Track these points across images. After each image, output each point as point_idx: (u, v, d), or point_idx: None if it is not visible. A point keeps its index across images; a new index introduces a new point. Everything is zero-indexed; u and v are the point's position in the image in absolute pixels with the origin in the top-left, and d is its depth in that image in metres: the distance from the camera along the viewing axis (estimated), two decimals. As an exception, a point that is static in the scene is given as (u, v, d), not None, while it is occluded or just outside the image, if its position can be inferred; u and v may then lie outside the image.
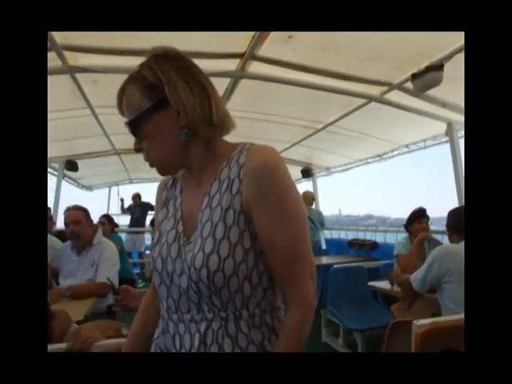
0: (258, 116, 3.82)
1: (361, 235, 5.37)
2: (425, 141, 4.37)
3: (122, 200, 8.01)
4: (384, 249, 4.64)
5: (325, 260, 4.46)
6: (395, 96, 3.18)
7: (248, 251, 0.76)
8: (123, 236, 6.07)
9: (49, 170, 5.43)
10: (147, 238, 7.17)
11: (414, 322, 1.46)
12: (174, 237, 0.83)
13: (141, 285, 5.23)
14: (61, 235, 3.39)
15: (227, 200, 0.77)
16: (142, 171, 7.53)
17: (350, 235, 5.63)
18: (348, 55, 2.60)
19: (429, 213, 3.06)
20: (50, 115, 3.49)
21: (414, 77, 2.68)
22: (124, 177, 7.87)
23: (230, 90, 3.15)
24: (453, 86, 2.56)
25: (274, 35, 2.33)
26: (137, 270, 6.46)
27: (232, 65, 2.79)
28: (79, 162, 5.37)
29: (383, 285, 3.01)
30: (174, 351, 0.81)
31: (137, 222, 7.31)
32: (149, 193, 8.04)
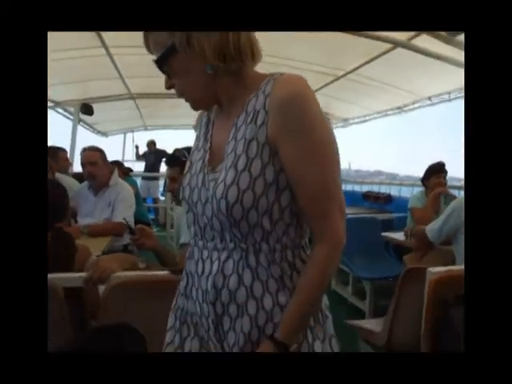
0: (274, 60, 3.64)
1: (375, 188, 5.34)
2: (449, 93, 4.19)
3: (136, 147, 8.02)
4: (398, 202, 4.61)
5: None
6: (423, 42, 3.00)
7: (270, 185, 0.74)
8: (138, 182, 6.13)
9: (64, 113, 5.41)
10: (161, 185, 7.25)
11: (429, 269, 1.45)
12: (200, 167, 0.84)
13: (155, 230, 5.36)
14: (78, 177, 3.45)
15: (251, 131, 0.75)
16: (156, 117, 7.49)
17: (365, 188, 5.60)
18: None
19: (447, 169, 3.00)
20: (63, 54, 3.45)
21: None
22: (139, 123, 7.85)
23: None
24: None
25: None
26: (151, 216, 6.59)
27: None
28: (94, 106, 5.32)
29: (396, 236, 3.01)
30: (196, 277, 0.83)
31: (151, 168, 7.36)
32: (163, 140, 8.04)
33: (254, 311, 0.77)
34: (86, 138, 6.86)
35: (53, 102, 4.88)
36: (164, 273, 1.32)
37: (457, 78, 3.63)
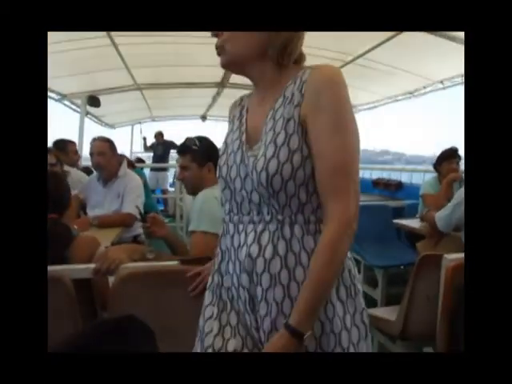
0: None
1: (386, 175, 5.27)
2: (462, 76, 4.09)
3: (144, 138, 8.02)
4: (409, 189, 4.55)
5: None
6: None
7: (306, 158, 0.79)
8: (146, 173, 6.13)
9: (71, 106, 5.41)
10: (170, 176, 7.25)
11: (445, 255, 1.42)
12: (238, 145, 0.89)
13: (165, 221, 5.36)
14: (87, 170, 3.45)
15: (289, 111, 0.82)
16: (164, 108, 7.47)
17: (375, 175, 5.53)
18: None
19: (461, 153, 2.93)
20: (67, 45, 3.42)
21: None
22: (146, 114, 7.83)
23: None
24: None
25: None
26: (160, 207, 6.60)
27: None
28: (101, 98, 5.31)
29: (408, 222, 2.96)
30: (232, 250, 0.88)
31: (159, 159, 7.36)
32: (171, 131, 8.04)
33: (287, 281, 0.80)
34: (94, 131, 6.87)
35: (59, 94, 4.87)
36: (173, 263, 1.31)
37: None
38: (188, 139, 1.77)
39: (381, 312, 1.97)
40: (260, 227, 0.84)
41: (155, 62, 4.30)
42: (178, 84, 5.30)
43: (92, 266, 1.29)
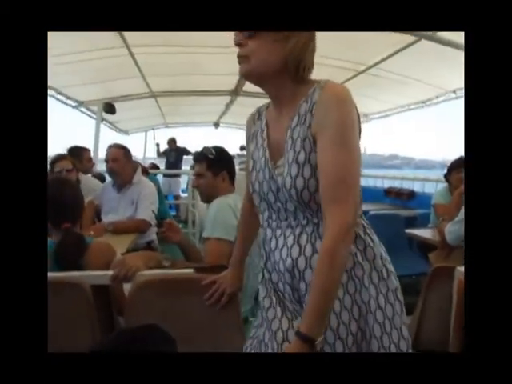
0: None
1: (398, 184, 5.24)
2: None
3: (157, 145, 8.10)
4: (422, 199, 4.51)
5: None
6: (450, 33, 2.91)
7: None
8: (160, 179, 6.19)
9: (87, 112, 5.51)
10: (183, 182, 7.30)
11: (458, 267, 1.42)
12: (264, 163, 0.96)
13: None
14: (99, 176, 3.51)
15: (304, 131, 0.89)
16: (177, 115, 7.55)
17: (387, 183, 5.50)
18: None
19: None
20: (86, 55, 3.50)
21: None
22: (160, 121, 7.92)
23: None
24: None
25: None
26: (172, 212, 6.65)
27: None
28: (116, 105, 5.39)
29: (420, 233, 2.95)
30: (271, 252, 0.98)
31: (172, 165, 7.42)
32: (184, 137, 8.10)
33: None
34: (109, 137, 6.97)
35: (76, 101, 4.97)
36: (189, 271, 1.33)
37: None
38: (205, 148, 1.82)
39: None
40: (298, 230, 0.93)
41: (170, 70, 4.37)
42: (191, 92, 5.37)
43: (110, 272, 1.32)
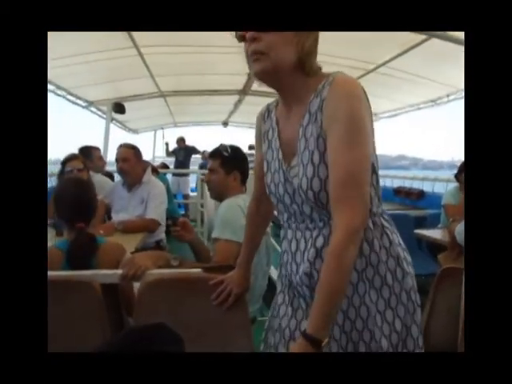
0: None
1: (407, 183, 5.21)
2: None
3: (166, 144, 8.14)
4: (432, 198, 4.48)
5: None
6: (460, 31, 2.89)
7: None
8: (169, 178, 6.22)
9: (97, 112, 5.56)
10: (192, 181, 7.34)
11: (466, 268, 1.41)
12: (277, 165, 0.96)
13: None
14: (108, 175, 3.54)
15: (317, 130, 0.87)
16: (186, 114, 7.58)
17: (396, 183, 5.47)
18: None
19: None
20: (96, 56, 3.53)
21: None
22: (169, 120, 7.96)
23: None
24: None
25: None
26: (181, 211, 6.69)
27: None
28: (126, 105, 5.43)
29: (430, 233, 2.93)
30: (291, 254, 0.98)
31: (181, 164, 7.46)
32: (193, 136, 8.13)
33: None
34: (118, 136, 7.03)
35: (86, 101, 5.01)
36: (197, 271, 1.34)
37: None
38: (221, 145, 1.84)
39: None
40: (315, 233, 0.92)
41: (179, 70, 4.39)
42: (200, 91, 5.39)
43: (119, 271, 1.34)
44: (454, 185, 3.12)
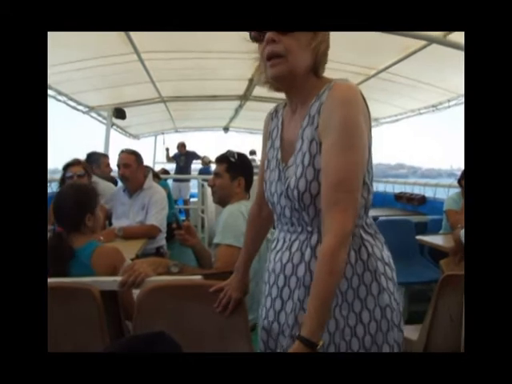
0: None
1: (408, 189, 5.19)
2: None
3: (167, 149, 8.15)
4: (433, 204, 4.47)
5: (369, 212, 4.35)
6: (461, 37, 2.89)
7: None
8: (169, 184, 6.22)
9: (98, 118, 5.57)
10: (192, 186, 7.33)
11: (468, 275, 1.40)
12: (275, 163, 0.98)
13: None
14: (114, 181, 3.54)
15: (311, 133, 0.89)
16: (187, 120, 7.59)
17: (397, 189, 5.45)
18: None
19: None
20: (97, 61, 3.53)
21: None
22: (169, 126, 7.97)
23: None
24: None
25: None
26: (182, 217, 6.68)
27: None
28: (126, 110, 5.44)
29: (431, 239, 2.92)
30: (275, 253, 1.00)
31: (182, 170, 7.47)
32: (193, 142, 8.15)
33: (309, 283, 0.89)
34: (119, 141, 7.04)
35: (87, 107, 5.02)
36: (197, 277, 1.34)
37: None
38: (229, 151, 1.87)
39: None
40: (293, 237, 0.95)
41: (180, 76, 4.40)
42: (201, 97, 5.40)
43: (119, 278, 1.33)
44: (455, 190, 3.12)
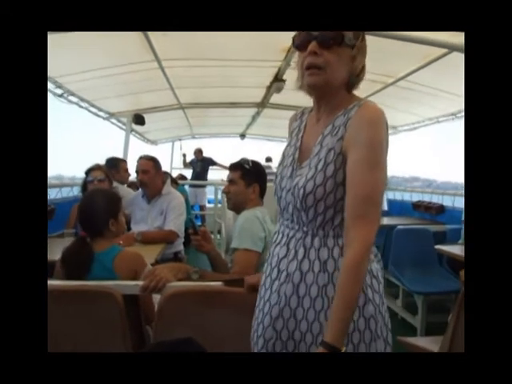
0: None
1: (426, 198, 5.12)
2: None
3: (184, 155, 8.23)
4: (452, 213, 4.40)
5: (386, 221, 4.31)
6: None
7: (339, 185, 0.92)
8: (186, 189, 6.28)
9: (117, 124, 5.67)
10: (209, 192, 7.38)
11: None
12: (291, 161, 1.03)
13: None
14: (131, 186, 3.60)
15: (332, 142, 0.94)
16: (204, 126, 7.66)
17: (415, 197, 5.39)
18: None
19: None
20: (119, 69, 3.60)
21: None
22: (187, 132, 8.05)
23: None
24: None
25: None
26: (198, 223, 6.72)
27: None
28: (145, 116, 5.52)
29: (450, 249, 2.87)
30: (278, 247, 1.02)
31: (198, 176, 7.52)
32: (210, 148, 8.20)
33: (298, 281, 0.95)
34: (137, 147, 7.13)
35: (107, 113, 5.12)
36: (217, 283, 1.35)
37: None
38: (243, 159, 1.92)
39: (422, 342, 1.92)
40: (292, 233, 1.00)
41: (199, 83, 4.46)
42: (219, 104, 5.45)
43: (140, 283, 1.35)
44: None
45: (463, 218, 3.00)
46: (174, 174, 6.57)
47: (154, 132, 7.29)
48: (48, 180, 4.49)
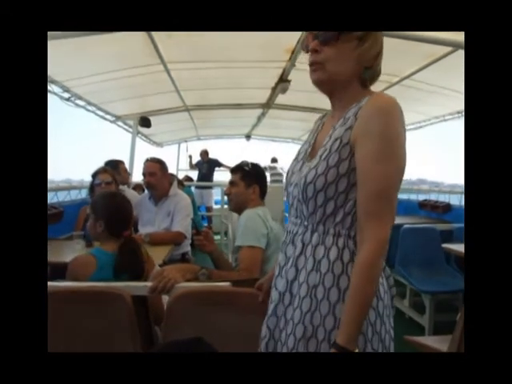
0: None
1: (433, 197, 5.10)
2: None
3: (190, 157, 8.27)
4: (458, 212, 4.38)
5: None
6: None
7: (341, 176, 0.87)
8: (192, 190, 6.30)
9: (124, 126, 5.71)
10: (215, 193, 7.40)
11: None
12: (303, 156, 1.01)
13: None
14: (136, 188, 3.63)
15: (340, 132, 0.90)
16: (209, 128, 7.69)
17: (421, 196, 5.36)
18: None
19: None
20: (124, 72, 3.63)
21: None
22: (192, 133, 8.08)
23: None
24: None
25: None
26: (204, 224, 6.74)
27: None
28: (151, 119, 5.55)
29: (458, 247, 2.86)
30: (284, 245, 1.00)
31: (204, 177, 7.55)
32: (215, 149, 8.22)
33: (292, 278, 0.94)
34: (143, 149, 7.16)
35: (114, 116, 5.16)
36: (225, 284, 1.36)
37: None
38: (243, 161, 1.97)
39: (430, 341, 1.92)
40: (294, 229, 0.97)
41: (204, 85, 4.48)
42: (225, 105, 5.47)
43: (149, 283, 1.37)
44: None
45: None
46: (180, 176, 6.60)
47: (160, 134, 7.33)
48: (57, 184, 4.54)
